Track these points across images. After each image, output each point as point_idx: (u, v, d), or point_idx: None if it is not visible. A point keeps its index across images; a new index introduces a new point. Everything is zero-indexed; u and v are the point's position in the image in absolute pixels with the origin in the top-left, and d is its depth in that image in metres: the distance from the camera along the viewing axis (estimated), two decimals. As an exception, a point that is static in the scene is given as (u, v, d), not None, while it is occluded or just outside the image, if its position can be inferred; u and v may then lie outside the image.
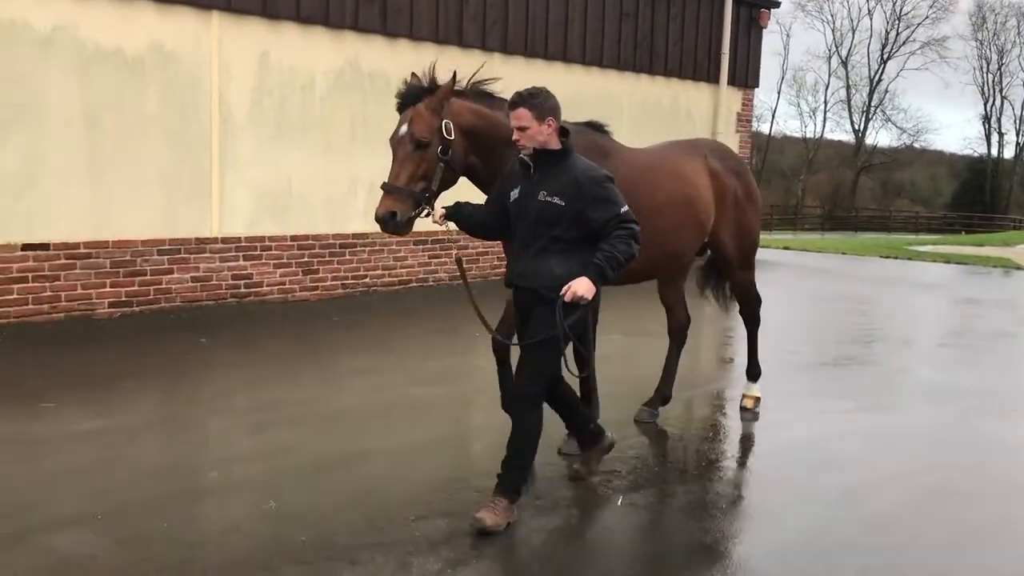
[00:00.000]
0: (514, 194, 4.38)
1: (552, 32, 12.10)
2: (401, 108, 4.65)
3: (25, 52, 7.74)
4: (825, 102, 62.07)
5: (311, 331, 8.60)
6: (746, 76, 15.65)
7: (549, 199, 4.22)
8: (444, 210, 4.58)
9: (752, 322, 6.64)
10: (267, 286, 9.53)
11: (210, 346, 7.78)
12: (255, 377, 6.92)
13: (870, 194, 61.93)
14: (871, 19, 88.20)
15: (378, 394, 6.59)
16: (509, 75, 11.55)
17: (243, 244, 9.28)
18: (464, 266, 4.81)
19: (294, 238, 9.68)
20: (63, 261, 8.05)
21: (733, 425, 6.28)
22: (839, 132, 77.11)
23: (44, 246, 7.95)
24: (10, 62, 7.66)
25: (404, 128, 4.56)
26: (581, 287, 4.13)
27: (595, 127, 5.36)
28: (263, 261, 9.47)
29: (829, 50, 68.83)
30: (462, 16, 10.92)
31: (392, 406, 6.28)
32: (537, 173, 4.31)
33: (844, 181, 59.30)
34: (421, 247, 10.89)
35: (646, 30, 13.58)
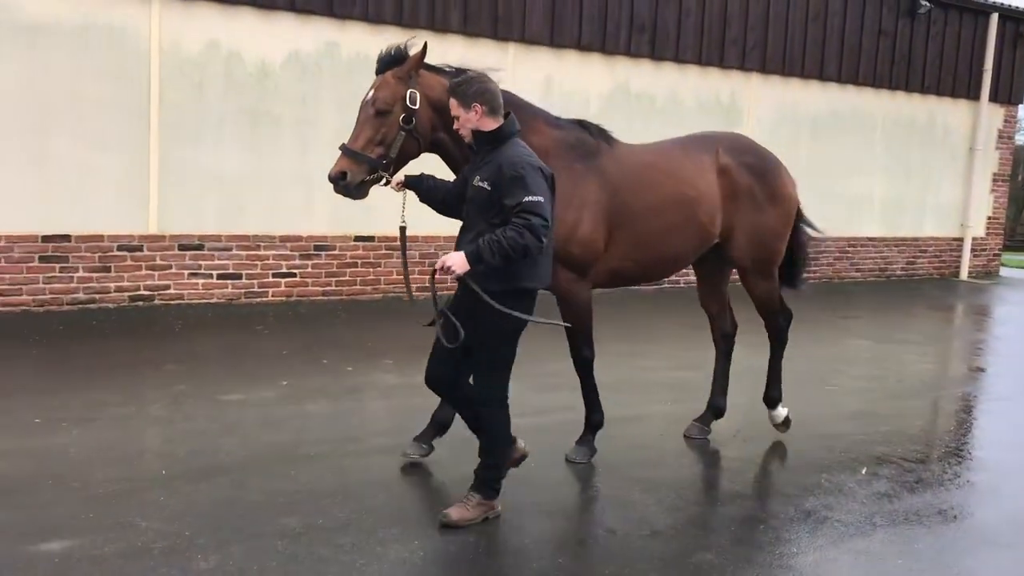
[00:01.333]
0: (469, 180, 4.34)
1: (809, 51, 12.70)
2: (377, 74, 4.72)
3: (366, 80, 9.50)
4: (1108, 114, 56.57)
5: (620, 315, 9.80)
6: (1009, 93, 15.38)
7: (480, 184, 4.16)
8: (405, 177, 4.56)
9: (776, 340, 6.05)
10: (540, 280, 10.89)
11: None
12: (542, 353, 8.19)
13: None
14: None
15: (643, 373, 7.67)
16: (767, 93, 12.34)
17: (523, 243, 10.70)
18: (405, 236, 4.79)
19: (565, 239, 10.99)
20: (384, 251, 9.78)
21: (977, 422, 6.81)
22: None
23: (371, 238, 9.71)
24: (355, 87, 9.42)
25: (370, 93, 4.64)
26: (450, 259, 4.02)
27: (586, 127, 5.26)
28: (538, 258, 10.84)
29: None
30: (724, 40, 11.81)
31: (656, 383, 7.34)
32: (478, 158, 4.29)
33: None
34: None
35: (904, 48, 13.82)
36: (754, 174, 5.57)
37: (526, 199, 4.01)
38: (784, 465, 5.54)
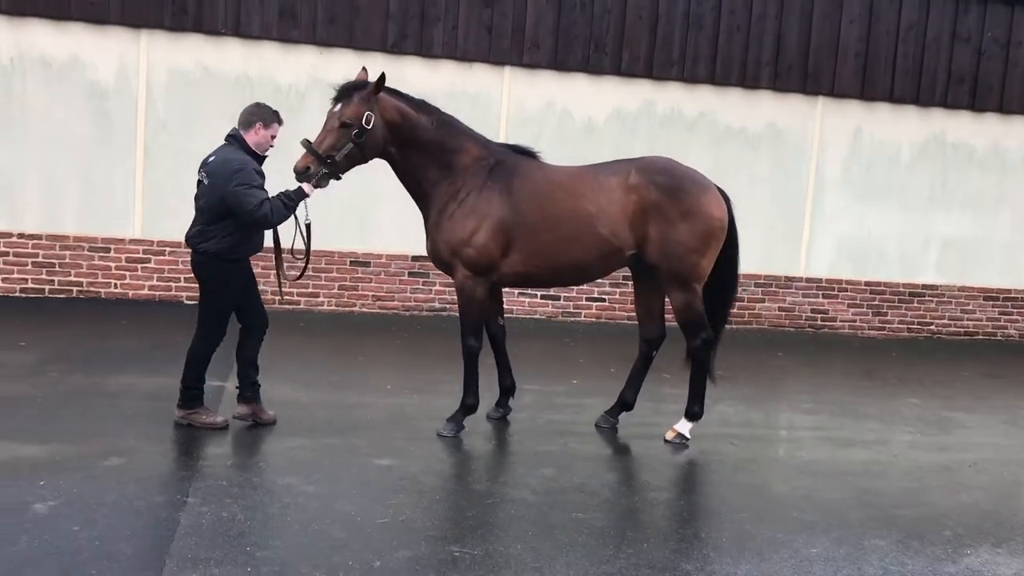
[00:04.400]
0: None
1: None
2: (339, 94, 5.77)
3: (678, 132, 10.80)
4: None
5: (871, 362, 10.16)
6: None
7: None
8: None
9: (694, 358, 6.50)
10: (840, 322, 11.36)
11: (784, 359, 9.91)
12: (818, 387, 8.89)
13: None
14: None
15: (904, 409, 8.06)
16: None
17: (823, 284, 11.26)
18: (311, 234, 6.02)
19: (868, 283, 11.35)
20: (686, 284, 10.90)
21: None
22: None
23: (674, 272, 10.88)
24: (668, 139, 10.75)
25: (338, 107, 5.73)
26: None
27: (518, 150, 6.26)
28: (839, 300, 11.33)
29: None
30: (1055, 90, 11.47)
31: (911, 417, 7.74)
32: None
33: None
34: (992, 303, 11.63)
35: None
36: (664, 192, 6.05)
37: None
38: (999, 495, 5.88)
